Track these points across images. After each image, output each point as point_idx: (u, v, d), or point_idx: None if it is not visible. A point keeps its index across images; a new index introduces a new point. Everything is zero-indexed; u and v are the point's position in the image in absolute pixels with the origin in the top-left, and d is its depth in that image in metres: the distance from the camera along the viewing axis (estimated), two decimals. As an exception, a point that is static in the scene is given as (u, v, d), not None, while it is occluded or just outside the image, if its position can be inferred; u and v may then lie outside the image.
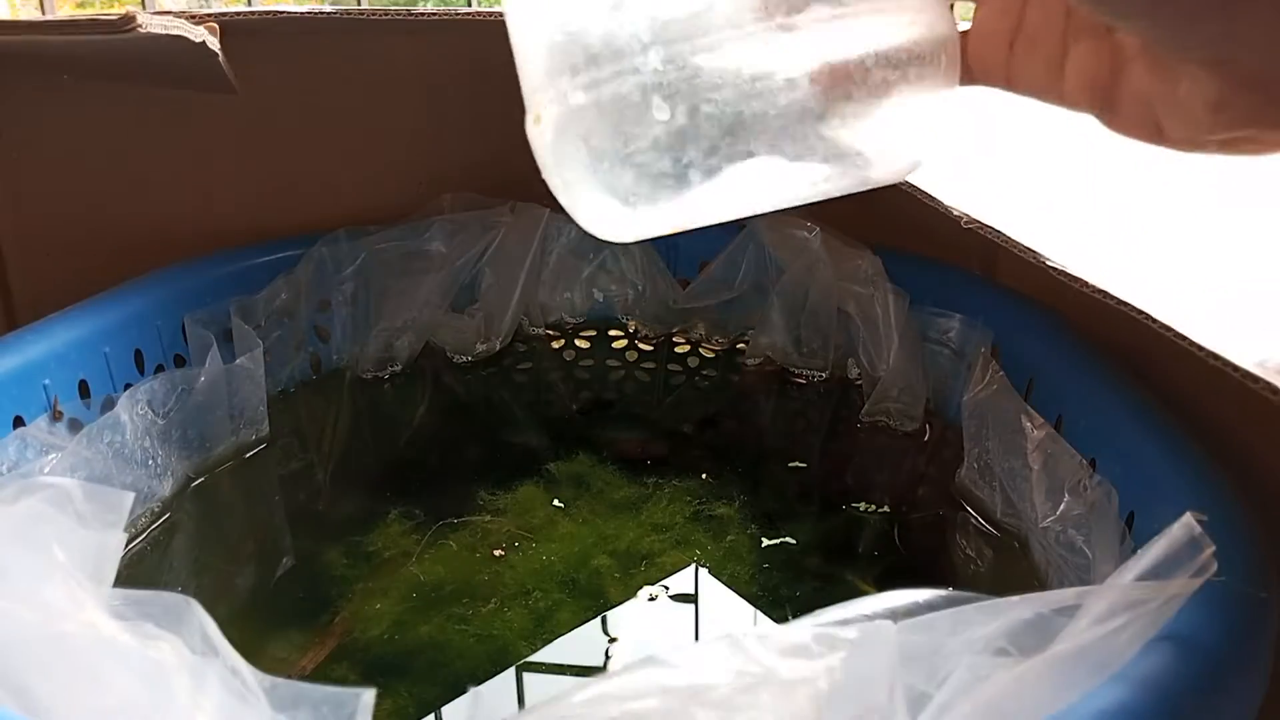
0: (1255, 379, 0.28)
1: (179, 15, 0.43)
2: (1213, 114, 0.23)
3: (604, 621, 0.44)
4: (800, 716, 0.25)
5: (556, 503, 0.53)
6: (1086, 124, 0.27)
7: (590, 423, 0.63)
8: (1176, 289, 0.34)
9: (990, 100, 0.29)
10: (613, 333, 0.72)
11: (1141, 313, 0.32)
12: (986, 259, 0.64)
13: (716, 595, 0.46)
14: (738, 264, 0.68)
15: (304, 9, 0.59)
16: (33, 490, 0.35)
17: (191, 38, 0.43)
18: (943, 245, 0.62)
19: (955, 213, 0.41)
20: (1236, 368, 0.29)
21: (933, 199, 0.43)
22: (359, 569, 0.48)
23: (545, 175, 0.28)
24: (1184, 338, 0.31)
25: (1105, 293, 0.34)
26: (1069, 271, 0.35)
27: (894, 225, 0.64)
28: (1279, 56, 0.21)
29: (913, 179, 0.44)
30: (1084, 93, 0.26)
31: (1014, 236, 0.38)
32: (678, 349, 0.71)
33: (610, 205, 0.27)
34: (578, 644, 0.43)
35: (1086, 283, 0.35)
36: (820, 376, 0.66)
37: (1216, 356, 0.29)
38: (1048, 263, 0.36)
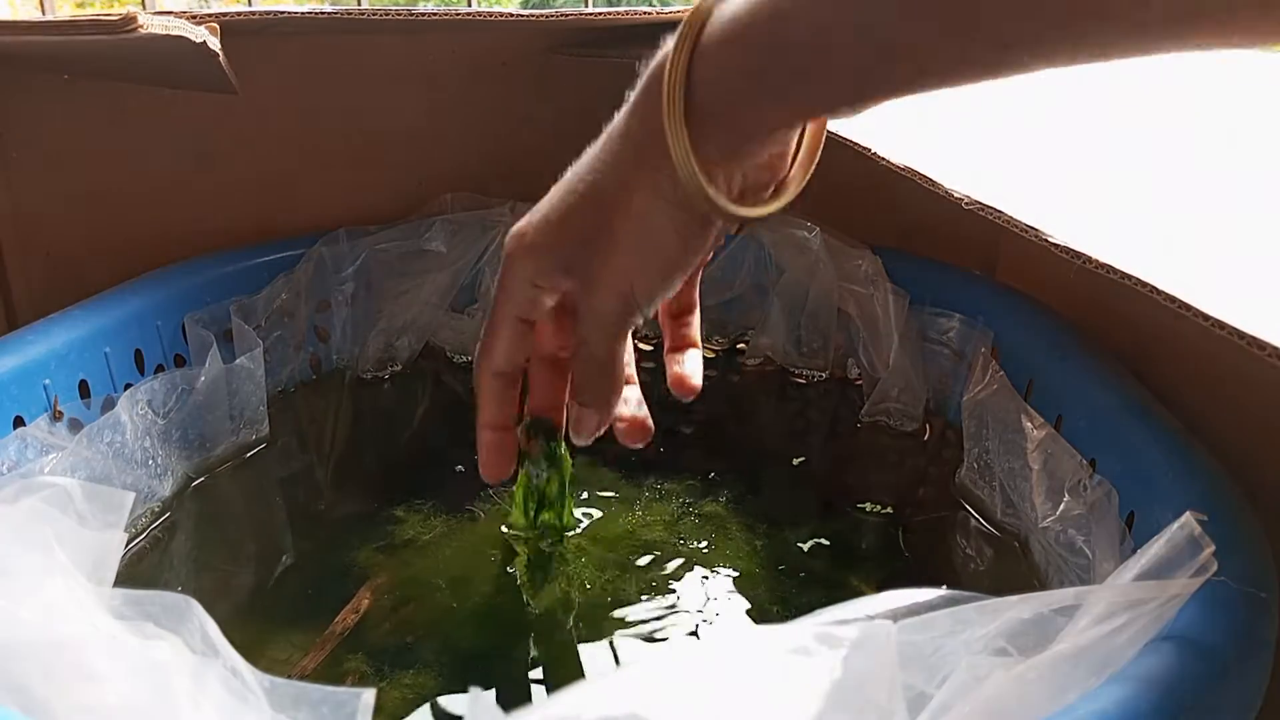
0: (1261, 345, 0.28)
1: (179, 15, 0.43)
2: None
3: (604, 621, 0.44)
4: (801, 716, 0.25)
5: (556, 503, 0.53)
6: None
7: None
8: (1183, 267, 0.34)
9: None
10: (613, 333, 0.72)
11: (1146, 285, 0.32)
12: (987, 258, 0.64)
13: (716, 595, 0.46)
14: (738, 264, 0.68)
15: (304, 9, 0.59)
16: (33, 490, 0.35)
17: (192, 38, 0.43)
18: (944, 244, 0.62)
19: (956, 194, 0.41)
20: (1242, 334, 0.28)
21: (933, 182, 0.42)
22: (359, 569, 0.48)
23: None
24: (1189, 307, 0.30)
25: (1109, 267, 0.33)
26: (1072, 248, 0.35)
27: (894, 224, 0.64)
28: None
29: (915, 164, 0.44)
30: None
31: (1016, 216, 0.38)
32: (678, 349, 0.71)
33: None
34: (577, 643, 0.43)
35: (1090, 258, 0.34)
36: (820, 376, 0.66)
37: (1222, 325, 0.29)
38: (1050, 239, 0.36)
